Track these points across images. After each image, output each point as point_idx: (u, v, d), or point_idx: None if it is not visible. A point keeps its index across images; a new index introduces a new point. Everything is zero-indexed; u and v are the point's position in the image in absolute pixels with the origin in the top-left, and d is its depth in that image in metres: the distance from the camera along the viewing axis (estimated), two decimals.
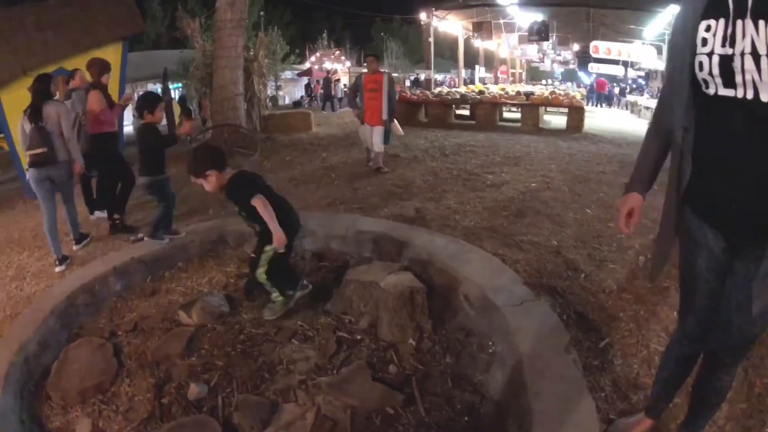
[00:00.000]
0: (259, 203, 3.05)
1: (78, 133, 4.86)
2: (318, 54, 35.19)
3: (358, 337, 3.10)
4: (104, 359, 3.06)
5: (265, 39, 12.13)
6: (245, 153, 7.31)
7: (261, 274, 3.30)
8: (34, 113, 4.46)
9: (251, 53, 11.36)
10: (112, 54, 9.45)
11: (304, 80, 32.05)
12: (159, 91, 6.03)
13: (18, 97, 8.57)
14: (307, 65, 34.45)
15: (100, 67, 5.11)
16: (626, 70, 25.30)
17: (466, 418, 2.44)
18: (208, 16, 13.43)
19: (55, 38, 9.00)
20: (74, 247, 4.80)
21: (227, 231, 4.58)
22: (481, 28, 19.24)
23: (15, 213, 7.53)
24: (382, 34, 39.78)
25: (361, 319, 3.24)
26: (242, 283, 3.84)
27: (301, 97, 28.83)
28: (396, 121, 7.31)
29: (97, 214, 5.63)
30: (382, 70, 7.13)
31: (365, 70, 7.10)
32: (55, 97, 4.71)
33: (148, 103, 4.29)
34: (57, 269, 4.37)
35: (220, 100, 10.01)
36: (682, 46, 1.54)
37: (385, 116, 6.72)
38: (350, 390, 2.59)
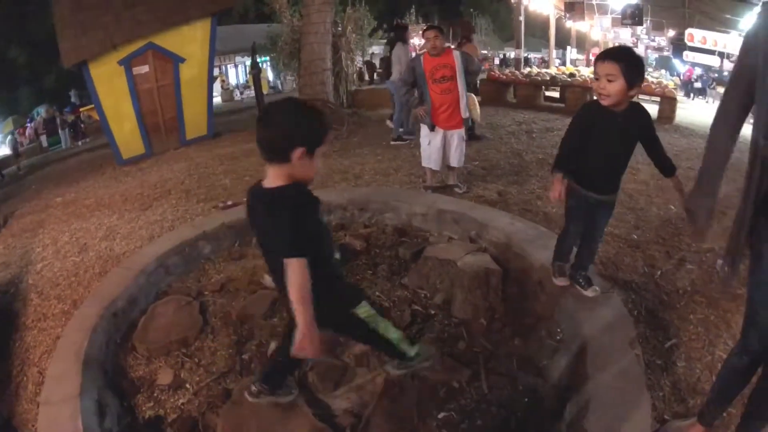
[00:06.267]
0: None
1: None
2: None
3: (432, 312, 3.18)
4: (190, 316, 3.27)
5: (353, 14, 12.20)
6: (333, 128, 7.55)
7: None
8: (389, 47, 7.92)
9: (339, 29, 11.44)
10: (201, 29, 9.82)
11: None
12: (248, 64, 6.66)
13: (108, 70, 9.06)
14: None
15: (467, 29, 9.18)
16: (722, 62, 23.33)
17: (526, 399, 2.50)
18: None
19: (146, 15, 9.31)
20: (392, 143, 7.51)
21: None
22: (573, 9, 18.37)
23: (105, 179, 8.04)
24: (471, 10, 38.73)
25: (436, 295, 3.31)
26: None
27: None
28: (475, 98, 5.61)
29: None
30: (448, 45, 5.20)
31: (423, 50, 5.03)
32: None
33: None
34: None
35: (309, 75, 10.17)
36: None
37: (465, 114, 4.81)
38: None
